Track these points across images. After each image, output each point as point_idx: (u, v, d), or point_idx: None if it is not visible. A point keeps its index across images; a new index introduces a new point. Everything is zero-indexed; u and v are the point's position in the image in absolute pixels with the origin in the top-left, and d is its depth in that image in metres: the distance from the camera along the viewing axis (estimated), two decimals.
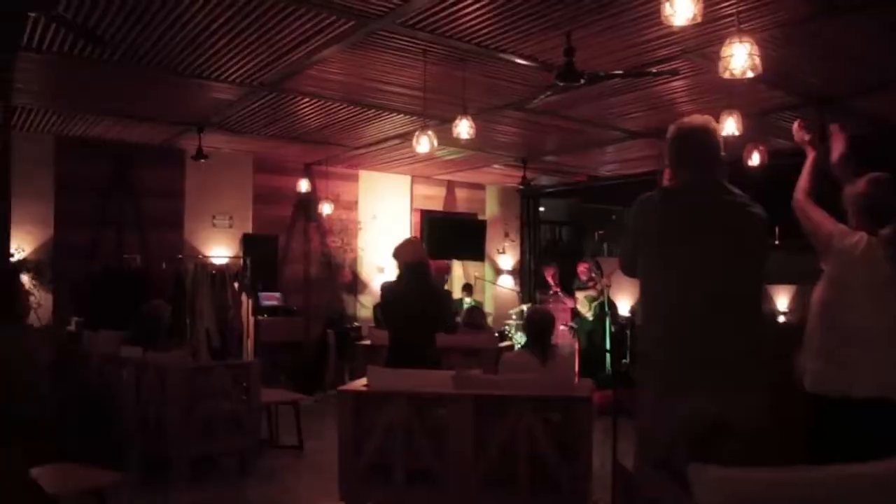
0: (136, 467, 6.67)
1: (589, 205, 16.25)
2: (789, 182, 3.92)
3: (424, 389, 4.97)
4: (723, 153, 3.24)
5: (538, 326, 5.59)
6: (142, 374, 6.64)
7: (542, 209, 15.37)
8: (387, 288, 6.33)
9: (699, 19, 4.38)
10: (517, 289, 14.70)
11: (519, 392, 4.82)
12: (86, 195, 10.18)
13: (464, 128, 6.74)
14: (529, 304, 13.01)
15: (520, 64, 6.78)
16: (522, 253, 15.06)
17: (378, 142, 10.34)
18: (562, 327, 11.29)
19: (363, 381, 5.33)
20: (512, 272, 14.77)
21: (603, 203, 16.49)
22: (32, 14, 5.46)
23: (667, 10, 4.32)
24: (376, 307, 11.68)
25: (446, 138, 7.57)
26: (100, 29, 5.91)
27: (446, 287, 12.07)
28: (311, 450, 7.72)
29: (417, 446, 4.90)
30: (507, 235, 14.77)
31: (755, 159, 7.21)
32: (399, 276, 6.10)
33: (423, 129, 6.86)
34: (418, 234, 13.40)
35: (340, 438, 5.14)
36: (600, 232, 16.08)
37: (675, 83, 7.44)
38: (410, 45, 6.40)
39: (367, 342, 8.84)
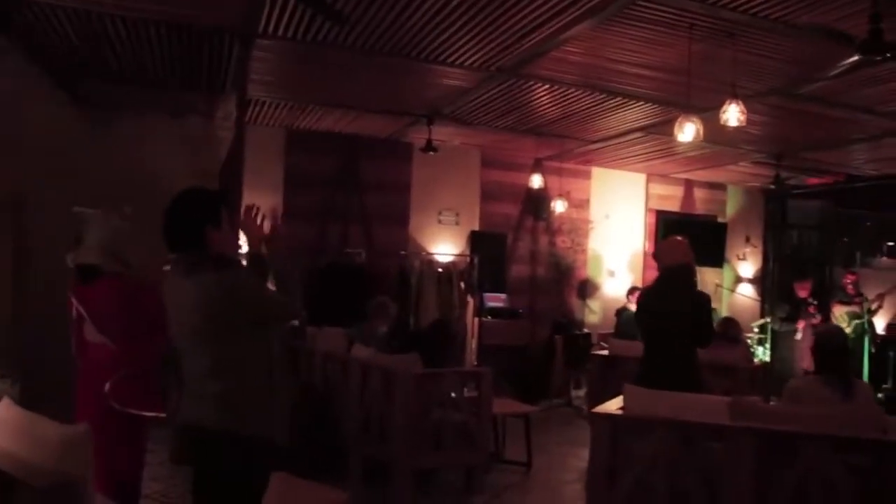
0: (357, 474, 6.31)
1: (843, 210, 14.54)
2: None
3: (694, 419, 4.18)
4: None
5: (835, 351, 4.63)
6: (368, 376, 6.24)
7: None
8: (643, 293, 5.60)
9: None
10: (758, 298, 13.40)
11: (815, 430, 3.92)
12: (313, 188, 10.07)
13: (733, 113, 5.85)
14: (773, 318, 11.77)
15: (799, 38, 5.78)
16: (765, 260, 13.72)
17: (618, 135, 9.53)
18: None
19: (617, 402, 4.60)
20: (753, 280, 13.48)
21: (858, 207, 14.72)
22: None
23: None
24: (619, 312, 10.93)
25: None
26: (338, 4, 5.53)
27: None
28: (538, 466, 7.10)
29: (683, 484, 4.11)
30: (748, 240, 13.48)
31: None
32: (658, 281, 5.35)
33: (687, 114, 6.00)
34: (653, 236, 12.47)
35: (592, 467, 4.43)
36: (845, 239, 14.35)
37: None
38: (676, 17, 5.57)
39: (605, 352, 8.07)
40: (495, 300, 10.82)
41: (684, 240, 5.40)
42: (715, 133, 6.89)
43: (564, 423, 9.26)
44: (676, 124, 6.00)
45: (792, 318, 10.66)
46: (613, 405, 4.57)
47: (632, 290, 11.00)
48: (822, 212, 14.29)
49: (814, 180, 12.07)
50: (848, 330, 10.45)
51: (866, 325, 10.47)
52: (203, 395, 2.96)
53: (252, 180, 8.20)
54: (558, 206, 10.92)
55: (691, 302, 5.17)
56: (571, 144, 10.25)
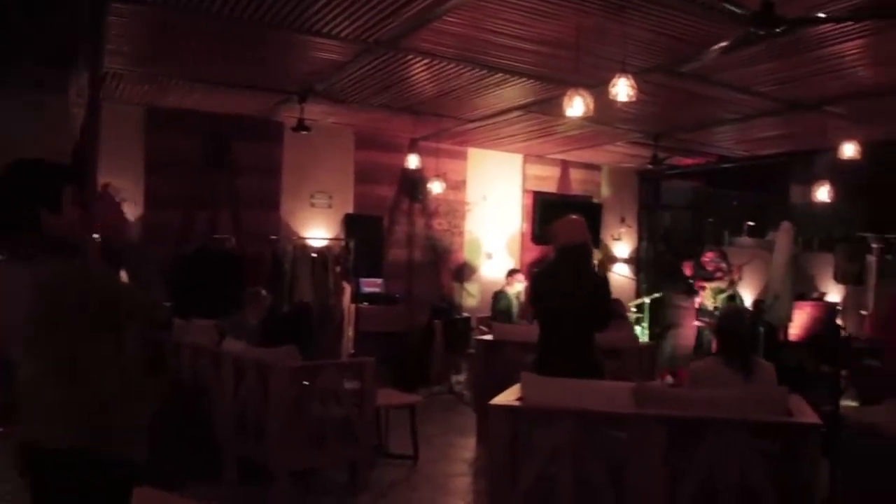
0: (231, 475, 5.84)
1: (714, 190, 14.85)
2: None
3: (598, 407, 3.93)
4: None
5: (736, 331, 4.48)
6: (241, 371, 5.76)
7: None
8: (538, 276, 5.33)
9: None
10: (633, 277, 13.52)
11: (724, 414, 3.74)
12: (177, 171, 9.37)
13: (622, 88, 5.63)
14: (653, 296, 11.87)
15: (691, 12, 5.62)
16: (639, 240, 13.85)
17: (497, 113, 9.26)
18: (696, 323, 10.11)
19: (515, 391, 4.31)
20: (628, 260, 13.58)
21: (727, 188, 15.08)
22: None
23: None
24: (495, 296, 10.72)
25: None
26: None
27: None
28: (424, 459, 6.77)
29: (588, 475, 3.87)
30: (623, 221, 13.56)
31: None
32: (554, 262, 5.09)
33: (576, 88, 5.75)
34: (530, 217, 12.34)
35: (492, 463, 4.14)
36: (710, 220, 14.70)
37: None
38: None
39: (489, 337, 7.81)
40: (372, 285, 10.42)
41: (580, 218, 5.15)
42: (597, 111, 6.70)
43: (447, 411, 8.98)
44: (566, 98, 5.75)
45: (687, 296, 10.81)
46: (511, 395, 4.28)
47: (511, 273, 10.83)
48: (694, 192, 14.55)
49: (687, 161, 12.18)
50: (716, 304, 10.69)
51: (738, 300, 10.73)
52: (42, 407, 2.45)
53: (109, 163, 7.48)
54: (435, 188, 10.59)
55: (590, 283, 4.93)
56: (448, 123, 9.94)
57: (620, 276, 13.07)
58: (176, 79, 8.15)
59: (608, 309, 5.13)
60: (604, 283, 5.04)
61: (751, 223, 15.45)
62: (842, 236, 15.53)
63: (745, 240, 14.91)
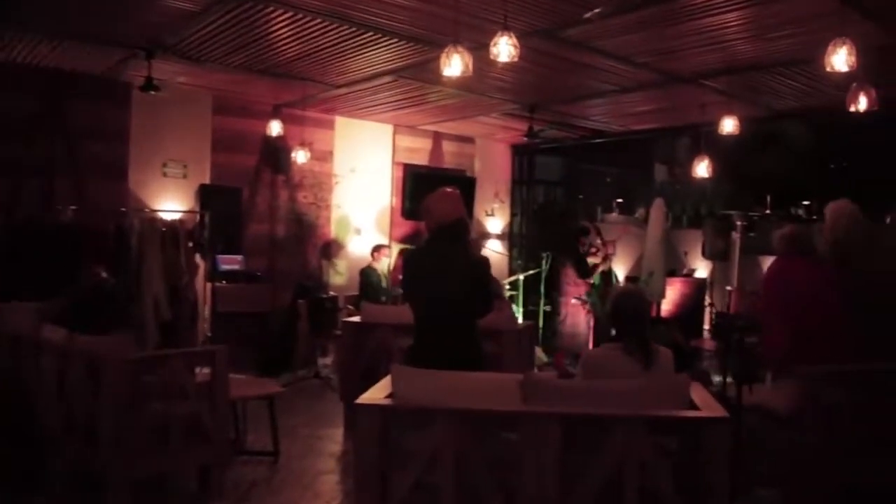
0: (61, 486, 5.06)
1: (588, 166, 14.68)
2: None
3: (482, 405, 3.41)
4: None
5: (634, 314, 4.04)
6: (67, 364, 4.96)
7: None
8: (411, 257, 4.78)
9: None
10: (506, 253, 13.19)
11: (625, 408, 3.29)
12: (4, 134, 8.25)
13: (504, 47, 5.09)
14: (525, 274, 11.54)
15: None
16: (512, 215, 13.52)
17: (366, 78, 8.60)
18: (573, 301, 9.83)
19: (384, 386, 3.74)
20: (501, 236, 13.22)
21: (601, 163, 14.95)
22: None
23: None
24: (363, 273, 10.13)
25: (440, 75, 5.87)
26: None
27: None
28: (287, 455, 6.14)
29: (472, 483, 3.35)
30: (496, 195, 13.19)
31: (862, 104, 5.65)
32: (429, 242, 4.52)
33: (454, 46, 5.17)
34: (400, 191, 11.78)
35: (359, 468, 3.55)
36: (580, 196, 14.56)
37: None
38: None
39: (357, 318, 7.20)
40: (230, 262, 9.63)
41: (455, 191, 4.60)
42: (473, 79, 6.18)
43: (312, 398, 8.35)
44: (443, 55, 5.15)
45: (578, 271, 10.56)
46: (381, 390, 3.71)
47: (377, 248, 10.27)
48: (567, 168, 14.33)
49: (562, 135, 11.85)
50: (591, 281, 10.53)
51: (612, 276, 10.63)
52: None
53: None
54: (300, 157, 9.84)
55: (470, 263, 4.40)
56: (315, 89, 9.21)
57: (494, 252, 12.69)
58: (2, 27, 7.13)
59: (490, 292, 4.63)
60: (484, 262, 4.52)
61: (619, 200, 15.48)
62: (708, 213, 15.75)
63: (615, 216, 14.92)
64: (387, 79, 8.57)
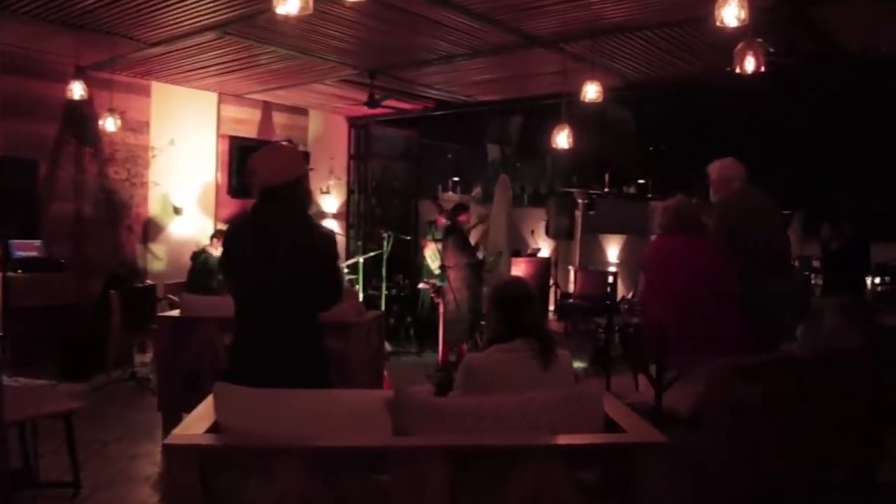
0: None
1: (429, 140, 13.97)
2: None
3: (340, 439, 2.57)
4: None
5: (524, 305, 3.29)
6: None
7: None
8: (232, 230, 3.77)
9: None
10: (344, 234, 12.31)
11: (528, 432, 2.56)
12: None
13: None
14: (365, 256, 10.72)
15: None
16: (349, 193, 12.64)
17: (186, 34, 7.46)
18: (421, 285, 9.09)
19: (205, 412, 2.81)
20: (337, 215, 12.33)
21: (443, 138, 14.30)
22: None
23: None
24: (195, 256, 9.03)
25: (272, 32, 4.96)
26: None
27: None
28: (91, 484, 4.99)
29: None
30: (332, 172, 12.27)
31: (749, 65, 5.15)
32: (255, 210, 3.48)
33: None
34: (226, 166, 10.68)
35: None
36: (420, 176, 13.88)
37: None
38: None
39: (175, 313, 6.13)
40: (26, 248, 8.26)
41: (292, 146, 3.68)
42: (309, 35, 5.27)
43: (127, 405, 7.21)
44: None
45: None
46: (200, 420, 2.77)
47: (217, 234, 9.21)
48: (407, 141, 13.60)
49: (403, 104, 11.04)
50: (434, 266, 9.80)
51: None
52: None
53: None
54: (108, 125, 8.56)
55: (311, 238, 3.48)
56: (125, 47, 7.97)
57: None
58: None
59: (338, 278, 3.76)
60: (329, 240, 3.61)
61: (456, 178, 14.96)
62: (549, 191, 15.48)
63: (451, 195, 14.44)
64: (210, 36, 7.48)
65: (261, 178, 3.45)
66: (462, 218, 9.09)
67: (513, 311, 3.30)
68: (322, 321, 3.60)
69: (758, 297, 4.62)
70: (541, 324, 3.30)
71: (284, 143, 3.67)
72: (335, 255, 3.71)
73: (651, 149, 16.44)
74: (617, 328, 7.95)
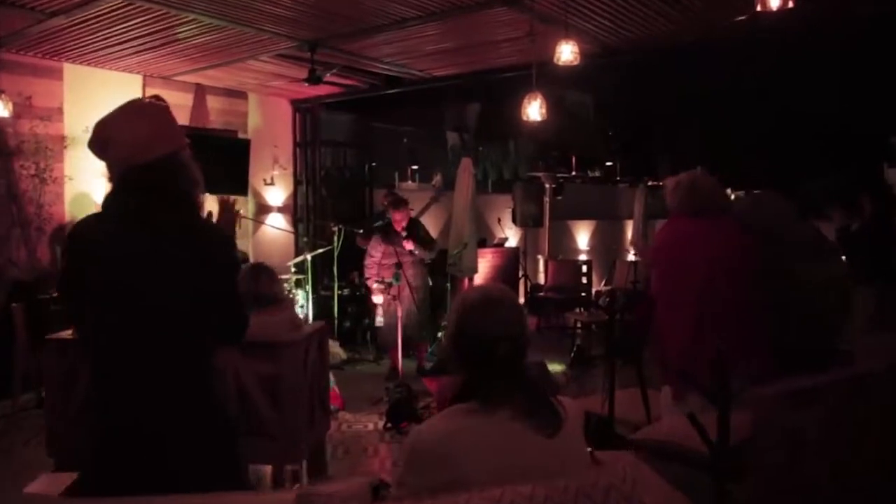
0: None
1: (381, 125, 12.90)
2: None
3: None
4: None
5: (514, 345, 2.10)
6: None
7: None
8: (83, 232, 2.48)
9: None
10: (292, 229, 11.24)
11: None
12: None
13: None
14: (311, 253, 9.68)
15: None
16: (297, 184, 11.55)
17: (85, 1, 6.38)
18: (375, 285, 8.05)
19: None
20: (283, 209, 11.24)
21: (396, 122, 13.25)
22: None
23: None
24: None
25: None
26: None
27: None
28: None
29: None
30: (276, 161, 11.17)
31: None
32: (112, 201, 2.46)
33: None
34: None
35: None
36: (373, 164, 12.84)
37: None
38: None
39: (67, 334, 4.94)
40: None
41: (162, 104, 2.60)
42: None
43: (19, 442, 6.14)
44: None
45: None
46: None
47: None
48: (358, 126, 12.55)
49: (349, 81, 9.94)
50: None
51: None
52: None
53: None
54: (1, 110, 7.39)
55: (205, 245, 2.42)
56: (24, 18, 6.77)
57: (277, 229, 10.71)
58: None
59: (239, 304, 2.65)
60: (227, 247, 2.57)
61: (414, 166, 13.99)
62: (513, 176, 14.56)
63: (410, 185, 13.58)
64: (125, 8, 6.38)
65: (119, 153, 2.42)
66: (396, 216, 8.06)
67: (494, 356, 2.09)
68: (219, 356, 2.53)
69: (786, 291, 3.68)
70: (535, 367, 2.22)
71: (150, 100, 2.59)
72: (236, 267, 2.66)
73: (610, 133, 15.68)
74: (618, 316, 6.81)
